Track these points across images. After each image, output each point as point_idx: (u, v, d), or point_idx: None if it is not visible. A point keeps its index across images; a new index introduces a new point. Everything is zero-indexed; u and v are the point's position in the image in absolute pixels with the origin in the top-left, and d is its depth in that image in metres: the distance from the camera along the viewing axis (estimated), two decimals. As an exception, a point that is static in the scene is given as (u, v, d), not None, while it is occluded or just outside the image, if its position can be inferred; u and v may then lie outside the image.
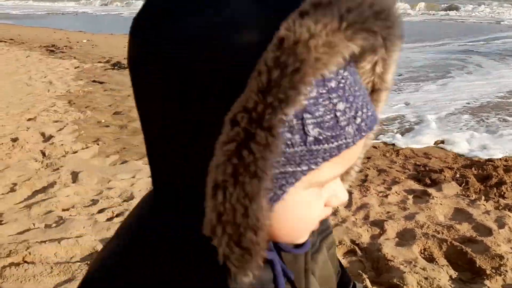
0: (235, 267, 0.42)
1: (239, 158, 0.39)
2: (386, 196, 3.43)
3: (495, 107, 6.01)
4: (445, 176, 3.68)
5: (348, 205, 3.29)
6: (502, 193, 3.38)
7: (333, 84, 0.42)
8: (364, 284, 2.29)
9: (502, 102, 6.26)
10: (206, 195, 0.41)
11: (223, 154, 0.39)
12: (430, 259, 2.59)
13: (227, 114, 0.39)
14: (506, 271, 2.43)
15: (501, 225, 2.90)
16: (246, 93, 0.38)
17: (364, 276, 2.36)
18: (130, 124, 5.41)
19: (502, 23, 17.11)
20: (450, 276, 2.44)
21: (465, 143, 4.59)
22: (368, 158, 4.33)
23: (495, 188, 3.45)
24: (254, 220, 0.40)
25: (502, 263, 2.48)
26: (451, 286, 2.34)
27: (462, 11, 21.95)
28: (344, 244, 2.73)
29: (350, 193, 3.46)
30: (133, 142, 4.88)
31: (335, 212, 3.17)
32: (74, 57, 10.20)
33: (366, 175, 3.87)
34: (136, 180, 3.83)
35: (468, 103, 6.19)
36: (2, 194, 3.48)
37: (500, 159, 4.07)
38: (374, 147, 4.67)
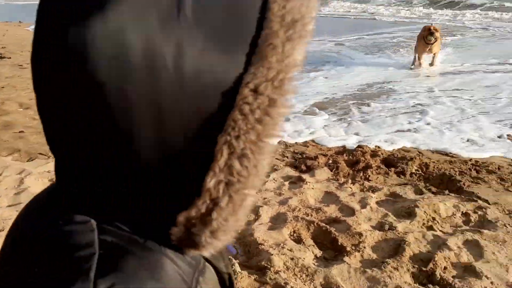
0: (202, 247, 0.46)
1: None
2: (264, 183, 3.54)
3: (363, 97, 6.46)
4: (318, 163, 3.90)
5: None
6: (367, 176, 3.67)
7: None
8: (233, 268, 2.35)
9: (367, 93, 6.75)
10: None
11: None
12: (298, 240, 2.74)
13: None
14: (364, 247, 2.65)
15: (364, 205, 3.15)
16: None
17: (234, 261, 2.42)
18: (1, 118, 4.98)
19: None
20: (315, 255, 2.60)
21: (341, 131, 4.91)
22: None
23: (361, 172, 3.74)
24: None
25: (361, 240, 2.70)
26: (314, 264, 2.49)
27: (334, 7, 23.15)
28: (219, 231, 2.77)
29: (229, 181, 3.52)
30: (2, 137, 4.50)
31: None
32: None
33: (247, 164, 3.96)
34: (3, 178, 3.53)
35: (335, 94, 6.59)
36: None
37: (368, 145, 4.41)
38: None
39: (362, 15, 18.62)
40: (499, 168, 3.90)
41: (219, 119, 0.43)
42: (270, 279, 2.29)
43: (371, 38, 12.04)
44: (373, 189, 3.44)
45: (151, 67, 0.38)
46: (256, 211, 3.05)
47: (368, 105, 5.95)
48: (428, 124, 5.19)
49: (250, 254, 2.57)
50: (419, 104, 5.99)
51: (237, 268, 2.36)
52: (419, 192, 3.44)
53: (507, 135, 4.81)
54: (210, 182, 0.43)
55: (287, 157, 4.17)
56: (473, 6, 18.90)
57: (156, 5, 0.38)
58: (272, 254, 2.48)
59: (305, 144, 4.54)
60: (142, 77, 0.38)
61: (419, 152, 4.29)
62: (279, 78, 0.43)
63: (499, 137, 4.75)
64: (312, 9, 0.44)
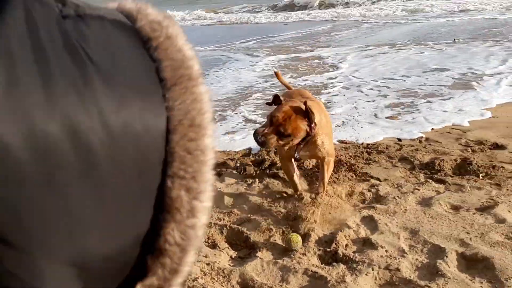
0: None
1: None
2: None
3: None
4: (227, 167, 4.06)
5: None
6: (272, 173, 3.90)
7: None
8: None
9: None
10: None
11: None
12: (213, 245, 2.86)
13: None
14: (275, 240, 2.84)
15: (272, 201, 3.35)
16: None
17: (152, 276, 2.48)
18: None
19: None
20: (230, 256, 2.74)
21: (244, 134, 5.12)
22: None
23: (267, 170, 3.95)
24: None
25: (271, 234, 2.89)
26: (230, 265, 2.63)
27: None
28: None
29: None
30: None
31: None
32: None
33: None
34: None
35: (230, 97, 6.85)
36: None
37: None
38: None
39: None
40: (387, 148, 4.33)
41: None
42: (188, 287, 2.39)
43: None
44: (279, 184, 3.66)
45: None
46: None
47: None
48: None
49: (168, 267, 2.64)
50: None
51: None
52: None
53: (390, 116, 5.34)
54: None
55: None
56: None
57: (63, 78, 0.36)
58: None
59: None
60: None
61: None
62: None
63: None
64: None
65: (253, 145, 4.69)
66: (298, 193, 3.28)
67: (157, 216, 0.44)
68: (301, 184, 3.44)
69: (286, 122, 2.82)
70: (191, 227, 0.45)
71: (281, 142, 2.89)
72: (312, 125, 2.89)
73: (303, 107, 2.86)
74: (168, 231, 0.44)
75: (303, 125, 2.87)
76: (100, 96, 0.38)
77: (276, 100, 2.97)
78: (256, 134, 2.85)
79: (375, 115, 5.49)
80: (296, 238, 2.70)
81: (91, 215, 0.38)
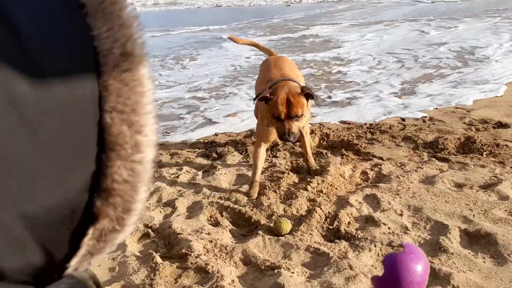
0: None
1: None
2: (178, 176, 3.61)
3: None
4: (228, 148, 4.04)
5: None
6: (275, 153, 3.88)
7: None
8: (154, 261, 2.42)
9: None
10: None
11: None
12: (216, 224, 2.86)
13: None
14: (276, 216, 2.84)
15: (273, 180, 3.34)
16: None
17: (154, 254, 2.49)
18: None
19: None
20: (233, 234, 2.74)
21: (244, 116, 5.10)
22: (161, 144, 4.48)
23: (269, 151, 3.94)
24: None
25: (274, 212, 2.88)
26: (232, 242, 2.63)
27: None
28: (138, 230, 2.82)
29: (143, 180, 3.55)
30: None
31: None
32: None
33: (160, 161, 4.01)
34: None
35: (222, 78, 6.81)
36: None
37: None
38: (166, 132, 4.84)
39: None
40: (390, 128, 4.30)
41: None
42: (191, 263, 2.39)
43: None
44: (281, 164, 3.65)
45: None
46: (172, 204, 3.12)
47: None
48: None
49: (170, 245, 2.65)
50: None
51: (158, 259, 2.43)
52: (324, 159, 3.70)
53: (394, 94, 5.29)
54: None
55: (198, 148, 4.27)
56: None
57: None
58: (191, 241, 2.58)
59: (215, 134, 4.66)
60: None
61: (320, 125, 4.59)
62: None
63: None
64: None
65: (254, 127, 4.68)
66: (256, 183, 3.22)
67: (101, 156, 0.41)
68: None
69: (293, 107, 2.93)
70: (138, 162, 0.43)
71: (299, 124, 3.01)
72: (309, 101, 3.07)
73: (295, 86, 3.01)
74: (115, 170, 0.42)
75: (304, 100, 2.98)
76: (21, 33, 0.36)
77: (263, 98, 3.00)
78: (287, 138, 2.97)
79: (378, 95, 5.44)
80: (285, 225, 2.67)
81: (31, 166, 0.36)
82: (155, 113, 0.44)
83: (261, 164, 3.30)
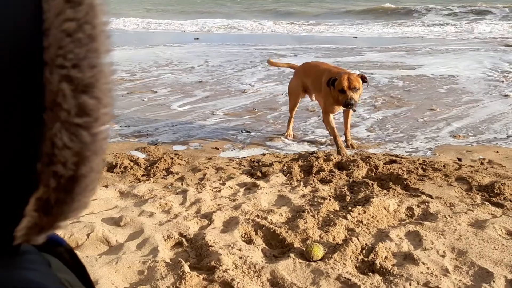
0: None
1: None
2: (220, 191, 3.64)
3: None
4: (273, 169, 4.03)
5: (183, 202, 3.44)
6: (320, 178, 3.82)
7: None
8: (182, 269, 2.42)
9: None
10: None
11: None
12: (249, 241, 2.83)
13: None
14: (312, 243, 2.77)
15: (313, 205, 3.28)
16: None
17: (183, 262, 2.50)
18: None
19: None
20: (264, 254, 2.70)
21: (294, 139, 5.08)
22: (209, 158, 4.54)
23: (314, 175, 3.88)
24: None
25: (308, 236, 2.82)
26: (262, 261, 2.59)
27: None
28: (172, 237, 2.85)
29: (185, 191, 3.61)
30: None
31: (168, 210, 3.29)
32: None
33: (205, 174, 4.06)
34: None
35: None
36: None
37: (323, 151, 4.59)
38: (216, 148, 4.91)
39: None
40: (444, 166, 4.11)
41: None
42: (218, 277, 2.38)
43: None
44: (324, 190, 3.58)
45: None
46: (209, 217, 3.14)
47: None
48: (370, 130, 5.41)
49: (201, 256, 2.65)
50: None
51: (186, 269, 2.44)
52: (369, 190, 3.59)
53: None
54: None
55: (244, 166, 4.29)
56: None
57: None
58: (222, 255, 2.57)
59: (262, 153, 4.68)
60: None
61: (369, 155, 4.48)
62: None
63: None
64: None
65: (302, 150, 4.64)
66: (339, 140, 4.58)
67: (39, 115, 0.37)
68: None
69: (352, 82, 4.33)
70: (83, 127, 0.38)
71: (357, 96, 4.39)
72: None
73: (352, 72, 4.74)
74: (54, 133, 0.37)
75: (359, 79, 4.39)
76: None
77: (330, 81, 4.41)
78: (350, 104, 4.34)
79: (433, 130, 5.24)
80: (316, 251, 2.59)
81: None
82: (110, 76, 0.39)
83: (335, 125, 4.70)
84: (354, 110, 4.71)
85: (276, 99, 7.25)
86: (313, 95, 5.14)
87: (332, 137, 4.72)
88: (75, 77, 0.36)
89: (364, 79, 4.45)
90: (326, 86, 4.52)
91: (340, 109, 4.71)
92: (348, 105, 4.34)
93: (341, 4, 27.94)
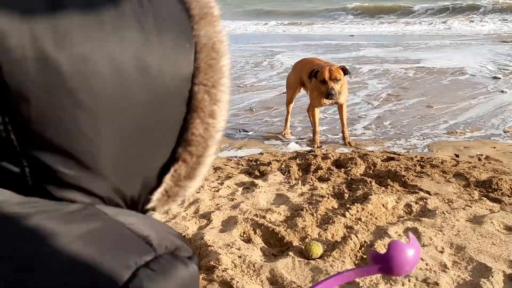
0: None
1: None
2: (218, 190, 3.64)
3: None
4: (271, 168, 4.03)
5: (181, 202, 3.43)
6: (318, 176, 3.82)
7: None
8: (181, 269, 2.42)
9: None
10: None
11: None
12: (248, 240, 2.83)
13: None
14: (309, 239, 2.77)
15: (311, 203, 3.28)
16: None
17: (183, 262, 2.49)
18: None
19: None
20: (263, 252, 2.70)
21: (292, 137, 5.09)
22: (207, 158, 4.54)
23: (312, 174, 3.88)
24: None
25: (307, 234, 2.82)
26: (261, 260, 2.59)
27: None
28: (171, 237, 2.85)
29: (184, 191, 3.61)
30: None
31: (167, 210, 3.29)
32: None
33: (203, 174, 4.05)
34: None
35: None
36: None
37: (320, 149, 4.60)
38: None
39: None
40: (442, 163, 4.12)
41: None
42: (217, 276, 2.38)
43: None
44: (322, 188, 3.58)
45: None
46: (207, 216, 3.14)
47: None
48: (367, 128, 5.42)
49: (200, 256, 2.65)
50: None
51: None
52: (367, 188, 3.59)
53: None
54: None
55: (242, 165, 4.29)
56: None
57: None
58: (221, 254, 2.57)
59: (260, 153, 4.68)
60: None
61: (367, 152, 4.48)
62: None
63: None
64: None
65: (300, 149, 4.65)
66: (317, 133, 4.90)
67: (187, 115, 0.58)
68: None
69: (333, 73, 4.47)
70: (211, 125, 0.59)
71: (338, 86, 4.49)
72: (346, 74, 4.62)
73: (334, 64, 4.76)
74: (194, 125, 0.58)
75: (341, 71, 4.52)
76: (151, 28, 0.52)
77: (313, 73, 4.56)
78: (330, 94, 4.46)
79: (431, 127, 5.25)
80: (315, 249, 2.59)
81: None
82: (227, 95, 0.61)
83: (318, 119, 4.90)
84: (337, 103, 4.74)
85: (274, 99, 7.26)
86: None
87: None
88: (212, 93, 0.58)
89: (345, 71, 4.59)
90: (308, 78, 4.71)
91: (326, 103, 4.78)
92: (329, 94, 4.47)
93: (330, 4, 27.94)
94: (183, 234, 2.88)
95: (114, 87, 0.48)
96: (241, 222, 2.99)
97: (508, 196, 3.37)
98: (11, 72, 0.43)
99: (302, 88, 5.28)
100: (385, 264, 0.86)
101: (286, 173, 3.93)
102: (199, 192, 3.58)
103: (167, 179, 0.59)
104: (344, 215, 3.06)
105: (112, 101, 0.49)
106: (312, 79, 4.61)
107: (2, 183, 0.48)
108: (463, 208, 3.14)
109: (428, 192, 3.48)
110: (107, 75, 0.47)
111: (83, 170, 0.50)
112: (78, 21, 0.45)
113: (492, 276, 2.30)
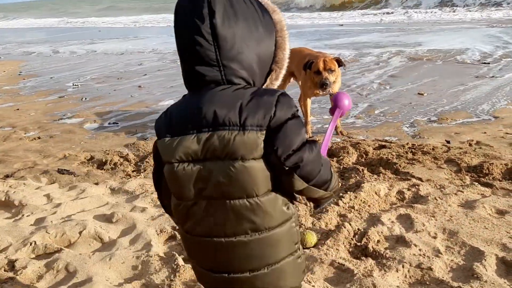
0: None
1: None
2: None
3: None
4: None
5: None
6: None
7: None
8: (176, 262, 2.42)
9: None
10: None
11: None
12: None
13: None
14: (304, 230, 2.77)
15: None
16: None
17: (177, 256, 2.49)
18: None
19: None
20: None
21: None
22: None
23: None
24: None
25: (299, 223, 2.82)
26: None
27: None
28: (165, 231, 2.84)
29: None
30: None
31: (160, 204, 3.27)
32: None
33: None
34: None
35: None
36: None
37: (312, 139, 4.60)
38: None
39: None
40: (433, 149, 4.14)
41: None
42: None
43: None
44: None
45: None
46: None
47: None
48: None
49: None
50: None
51: (180, 262, 2.43)
52: (360, 176, 3.60)
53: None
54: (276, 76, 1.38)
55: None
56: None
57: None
58: (215, 246, 2.56)
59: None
60: None
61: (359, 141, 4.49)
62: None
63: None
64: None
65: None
66: (309, 124, 4.91)
67: (275, 50, 1.34)
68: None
69: (328, 63, 4.48)
70: (283, 54, 1.35)
71: (333, 78, 4.51)
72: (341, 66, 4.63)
73: (329, 55, 4.86)
74: (277, 54, 1.34)
75: (335, 62, 4.54)
76: (259, 25, 1.28)
77: (307, 64, 4.54)
78: (325, 84, 4.45)
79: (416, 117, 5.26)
80: (310, 238, 2.60)
81: (257, 38, 1.27)
82: (287, 45, 1.36)
83: (310, 110, 4.94)
84: (331, 94, 4.61)
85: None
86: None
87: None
88: (282, 42, 1.34)
89: (339, 63, 4.57)
90: (303, 69, 4.66)
91: (319, 93, 4.71)
92: (323, 85, 4.45)
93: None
94: (177, 228, 2.87)
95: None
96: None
97: (499, 180, 3.40)
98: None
99: (291, 78, 5.25)
100: (336, 103, 1.94)
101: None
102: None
103: (268, 79, 1.35)
104: (337, 204, 3.06)
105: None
106: (306, 70, 4.59)
107: (208, 82, 1.24)
108: (455, 194, 3.16)
109: (420, 179, 3.50)
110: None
111: (246, 71, 1.25)
112: (242, 29, 1.23)
113: (485, 260, 2.32)
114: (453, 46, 10.41)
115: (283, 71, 1.34)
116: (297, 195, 1.31)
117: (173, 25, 1.26)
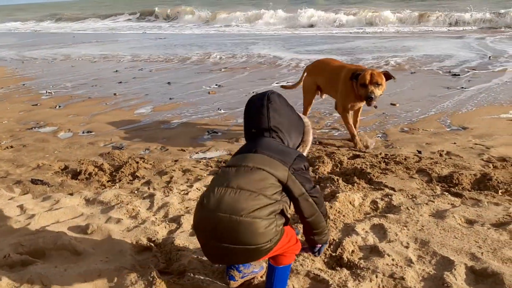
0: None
1: None
2: (187, 193, 3.63)
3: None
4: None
5: (150, 206, 3.41)
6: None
7: None
8: (151, 275, 2.41)
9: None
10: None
11: None
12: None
13: None
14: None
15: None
16: None
17: (153, 268, 2.48)
18: None
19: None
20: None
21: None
22: (176, 161, 4.52)
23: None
24: None
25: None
26: (232, 262, 2.60)
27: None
28: (140, 243, 2.83)
29: (152, 195, 3.58)
30: None
31: (136, 215, 3.26)
32: None
33: (172, 177, 4.04)
34: None
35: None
36: None
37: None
38: (183, 149, 4.89)
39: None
40: (405, 159, 4.24)
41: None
42: (188, 280, 2.38)
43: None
44: (291, 189, 3.62)
45: None
46: (177, 220, 3.13)
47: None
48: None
49: (170, 260, 2.64)
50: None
51: (155, 274, 2.42)
52: (335, 185, 3.66)
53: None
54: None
55: (211, 166, 4.29)
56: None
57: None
58: (191, 258, 2.57)
59: (229, 154, 4.69)
60: None
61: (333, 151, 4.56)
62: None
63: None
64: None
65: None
66: (356, 137, 4.78)
67: (301, 142, 2.44)
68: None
69: (375, 77, 4.38)
70: (306, 143, 2.49)
71: (379, 92, 4.43)
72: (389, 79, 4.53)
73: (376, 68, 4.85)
74: (303, 142, 2.45)
75: (383, 75, 4.44)
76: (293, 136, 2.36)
77: (353, 76, 4.49)
78: (370, 97, 4.37)
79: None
80: None
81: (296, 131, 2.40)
82: (310, 141, 2.53)
83: (352, 122, 4.86)
84: (375, 107, 4.60)
85: (244, 99, 7.28)
86: (323, 93, 5.33)
87: (350, 135, 4.88)
88: (306, 140, 2.48)
89: (388, 76, 4.48)
90: (345, 82, 4.58)
91: (358, 106, 4.72)
92: (369, 98, 4.37)
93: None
94: (152, 239, 2.86)
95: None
96: (211, 224, 2.99)
97: (468, 190, 3.51)
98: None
99: (318, 91, 5.30)
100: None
101: (255, 174, 3.95)
102: (168, 196, 3.57)
103: (299, 149, 2.40)
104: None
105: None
106: (353, 81, 4.50)
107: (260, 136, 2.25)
108: (426, 203, 3.25)
109: (393, 189, 3.58)
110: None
111: (287, 137, 2.28)
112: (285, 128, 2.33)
113: (455, 269, 2.39)
114: (433, 53, 10.68)
115: (309, 146, 2.51)
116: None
117: (243, 109, 2.40)
